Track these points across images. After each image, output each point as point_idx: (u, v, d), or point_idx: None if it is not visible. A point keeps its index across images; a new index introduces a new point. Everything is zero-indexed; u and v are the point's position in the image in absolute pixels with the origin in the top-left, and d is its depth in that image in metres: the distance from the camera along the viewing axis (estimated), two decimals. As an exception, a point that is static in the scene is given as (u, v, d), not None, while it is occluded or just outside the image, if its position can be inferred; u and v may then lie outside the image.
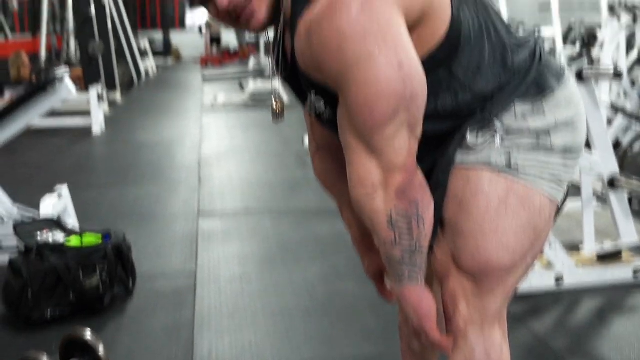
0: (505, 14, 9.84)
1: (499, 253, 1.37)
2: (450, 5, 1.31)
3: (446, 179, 1.40)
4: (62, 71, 3.04)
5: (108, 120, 8.43)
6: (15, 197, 3.76)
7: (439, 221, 1.41)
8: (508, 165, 1.37)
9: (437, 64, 1.32)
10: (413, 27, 1.27)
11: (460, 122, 1.38)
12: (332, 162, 1.67)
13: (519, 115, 1.37)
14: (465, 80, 1.34)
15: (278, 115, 1.52)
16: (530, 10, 19.09)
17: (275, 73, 1.48)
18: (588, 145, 3.05)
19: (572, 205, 3.39)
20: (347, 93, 1.24)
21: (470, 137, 1.37)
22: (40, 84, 2.98)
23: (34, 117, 3.11)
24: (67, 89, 3.04)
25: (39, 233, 3.16)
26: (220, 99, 9.81)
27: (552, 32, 10.07)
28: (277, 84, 1.50)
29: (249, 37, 17.87)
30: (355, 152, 1.29)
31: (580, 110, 1.43)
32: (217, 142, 7.12)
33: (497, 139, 1.37)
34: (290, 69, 1.42)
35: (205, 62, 18.52)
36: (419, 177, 1.30)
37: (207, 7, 1.38)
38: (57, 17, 13.22)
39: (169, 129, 7.95)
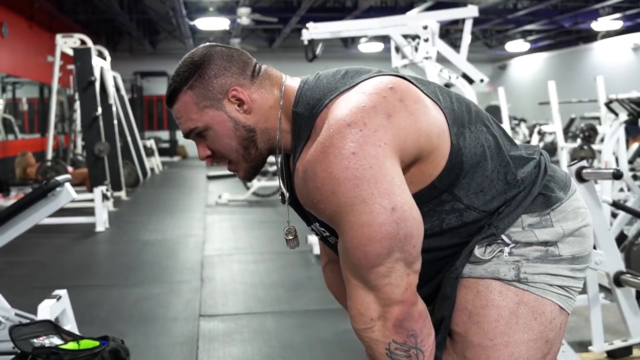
0: (506, 112, 10.05)
1: (511, 366, 1.34)
2: (450, 136, 1.33)
3: (454, 291, 1.39)
4: (63, 177, 3.04)
5: (112, 218, 8.44)
6: (14, 297, 3.72)
7: (448, 333, 1.40)
8: (517, 277, 1.36)
9: (440, 191, 1.34)
10: (412, 163, 1.30)
11: (467, 236, 1.38)
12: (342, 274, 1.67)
13: (527, 228, 1.37)
14: (468, 202, 1.35)
15: (292, 242, 1.55)
16: (531, 107, 19.44)
17: (284, 199, 1.50)
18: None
19: (580, 301, 3.32)
20: (343, 234, 1.27)
21: (478, 251, 1.37)
22: (39, 190, 2.98)
23: (32, 223, 3.11)
24: (67, 194, 3.05)
25: (35, 338, 3.09)
26: (224, 197, 9.86)
27: (553, 128, 10.25)
28: (287, 209, 1.53)
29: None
30: (353, 287, 1.30)
31: (587, 219, 1.43)
32: (220, 241, 7.11)
33: (505, 252, 1.37)
34: (295, 197, 1.44)
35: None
36: (419, 308, 1.30)
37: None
38: (65, 117, 13.49)
39: (172, 227, 7.95)
